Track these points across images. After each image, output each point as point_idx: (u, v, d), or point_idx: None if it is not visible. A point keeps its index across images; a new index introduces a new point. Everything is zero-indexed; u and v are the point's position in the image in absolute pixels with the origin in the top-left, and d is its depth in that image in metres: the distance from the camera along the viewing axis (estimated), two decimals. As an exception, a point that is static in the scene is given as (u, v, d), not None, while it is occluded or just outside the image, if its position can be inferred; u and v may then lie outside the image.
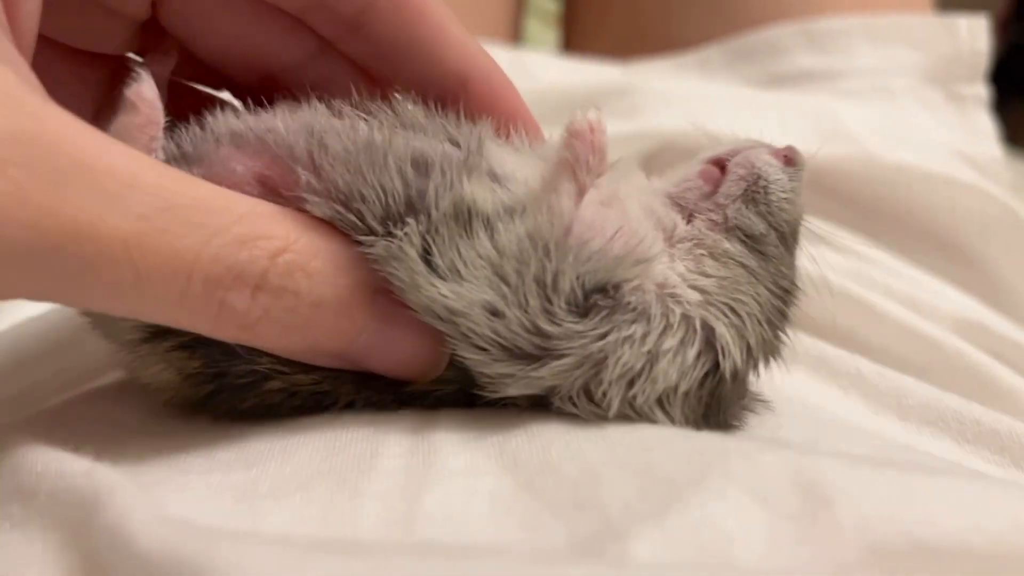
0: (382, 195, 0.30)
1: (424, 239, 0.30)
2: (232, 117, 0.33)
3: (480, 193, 0.31)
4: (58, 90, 0.33)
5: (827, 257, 0.55)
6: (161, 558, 0.22)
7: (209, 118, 0.33)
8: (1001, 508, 0.25)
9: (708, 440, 0.29)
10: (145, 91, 0.31)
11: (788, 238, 0.35)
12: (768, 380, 0.35)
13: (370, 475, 0.27)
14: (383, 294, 0.30)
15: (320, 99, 0.34)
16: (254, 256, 0.27)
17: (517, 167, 0.33)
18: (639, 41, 0.82)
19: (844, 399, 0.43)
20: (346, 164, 0.30)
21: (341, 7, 0.35)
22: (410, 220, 0.30)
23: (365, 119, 0.33)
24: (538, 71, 0.72)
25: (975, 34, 0.71)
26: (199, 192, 0.27)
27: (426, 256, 0.30)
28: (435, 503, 0.26)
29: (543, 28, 1.24)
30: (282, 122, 0.32)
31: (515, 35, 0.94)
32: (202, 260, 0.26)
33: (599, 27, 0.88)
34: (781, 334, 0.35)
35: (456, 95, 0.36)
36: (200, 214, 0.26)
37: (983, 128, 0.71)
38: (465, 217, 0.30)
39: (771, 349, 0.34)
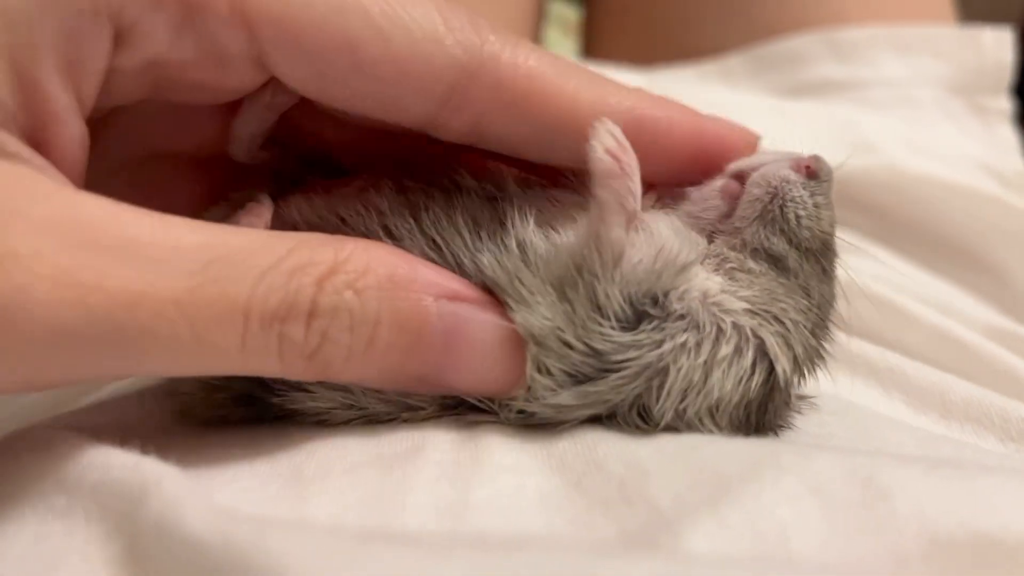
0: (459, 245, 0.31)
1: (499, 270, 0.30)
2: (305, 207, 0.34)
3: (531, 234, 0.31)
4: (176, 196, 0.34)
5: (858, 264, 0.55)
6: (212, 544, 0.22)
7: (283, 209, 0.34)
8: None
9: (757, 440, 0.29)
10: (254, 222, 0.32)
11: (815, 253, 0.34)
12: (811, 380, 0.35)
13: (417, 464, 0.27)
14: (450, 305, 0.29)
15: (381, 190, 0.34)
16: (302, 284, 0.26)
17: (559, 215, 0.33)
18: (657, 49, 0.81)
19: (886, 398, 0.43)
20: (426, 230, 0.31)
21: (453, 122, 0.32)
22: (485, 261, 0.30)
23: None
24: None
25: (1000, 46, 0.70)
26: (243, 240, 0.27)
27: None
28: (485, 496, 0.26)
29: (562, 36, 1.25)
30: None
31: (535, 39, 0.94)
32: (255, 300, 0.26)
33: (618, 35, 0.89)
34: (824, 343, 0.34)
35: None
36: (247, 258, 0.26)
37: (1007, 141, 0.71)
38: (516, 252, 0.30)
39: (816, 357, 0.34)
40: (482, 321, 0.29)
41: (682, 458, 0.27)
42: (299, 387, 0.30)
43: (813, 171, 0.35)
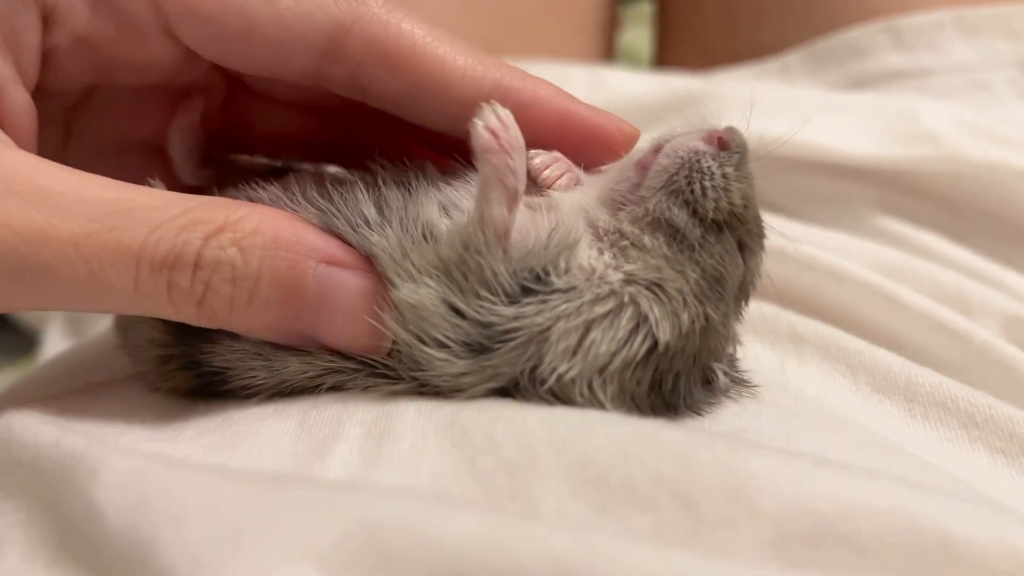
0: (352, 220, 0.34)
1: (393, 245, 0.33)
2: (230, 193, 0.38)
3: (431, 214, 0.34)
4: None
5: (876, 252, 0.54)
6: (114, 520, 0.26)
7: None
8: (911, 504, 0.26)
9: (648, 429, 0.30)
10: None
11: (722, 225, 0.35)
12: (773, 364, 0.35)
13: (325, 460, 0.30)
14: (327, 269, 0.32)
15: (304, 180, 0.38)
16: (191, 238, 0.30)
17: (467, 196, 0.35)
18: (726, 45, 0.82)
19: (852, 380, 0.43)
20: (321, 205, 0.34)
21: (334, 73, 0.36)
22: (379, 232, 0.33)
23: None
24: (616, 85, 0.73)
25: (1079, 21, 0.67)
26: (148, 198, 0.31)
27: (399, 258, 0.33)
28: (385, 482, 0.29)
29: (641, 31, 1.25)
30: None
31: (608, 45, 0.96)
32: (147, 248, 0.30)
33: (686, 32, 0.89)
34: (720, 316, 0.34)
35: None
36: (146, 213, 0.31)
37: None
38: (418, 232, 0.33)
39: (713, 331, 0.34)
40: (353, 286, 0.32)
41: (570, 448, 0.29)
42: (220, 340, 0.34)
43: (725, 142, 0.35)
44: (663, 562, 0.23)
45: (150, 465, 0.29)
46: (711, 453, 0.28)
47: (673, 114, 0.67)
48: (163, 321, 0.36)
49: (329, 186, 0.35)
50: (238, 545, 0.25)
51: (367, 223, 0.34)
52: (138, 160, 0.42)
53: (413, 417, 0.31)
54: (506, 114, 0.32)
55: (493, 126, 0.32)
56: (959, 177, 0.61)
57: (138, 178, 0.33)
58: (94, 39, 0.35)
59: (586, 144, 0.37)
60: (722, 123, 0.38)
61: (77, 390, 0.38)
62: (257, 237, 0.31)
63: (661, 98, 0.69)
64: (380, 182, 0.36)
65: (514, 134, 0.32)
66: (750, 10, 0.81)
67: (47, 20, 0.34)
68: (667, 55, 0.91)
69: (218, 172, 0.41)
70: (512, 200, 0.32)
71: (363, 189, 0.35)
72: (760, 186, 0.55)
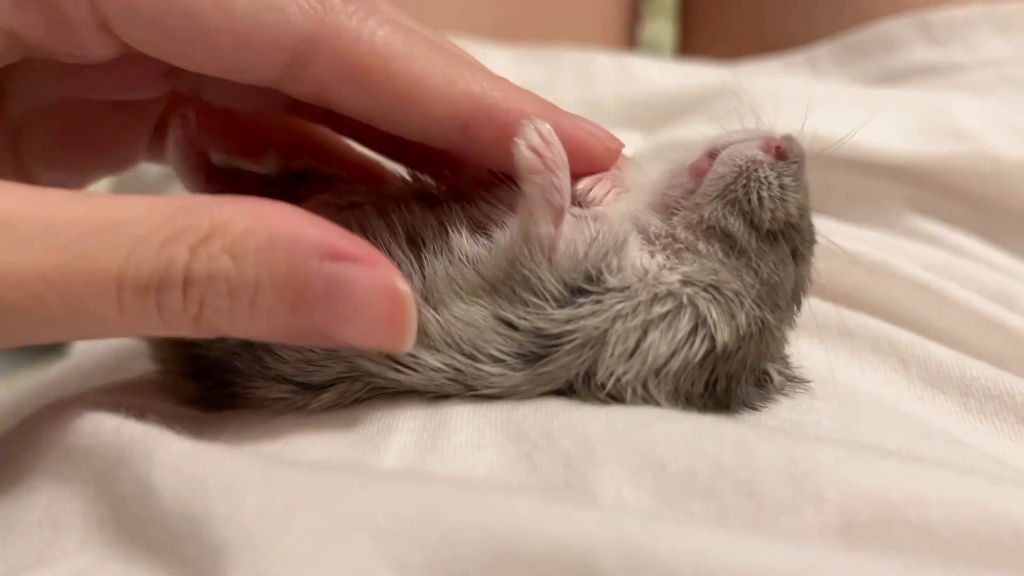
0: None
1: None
2: None
3: (463, 243, 0.33)
4: (117, 136, 0.37)
5: (917, 250, 0.53)
6: (170, 503, 0.26)
7: None
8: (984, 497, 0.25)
9: (708, 423, 0.30)
10: None
11: (776, 234, 0.34)
12: (823, 359, 0.35)
13: (380, 451, 0.30)
14: (332, 266, 0.28)
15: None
16: (176, 252, 0.27)
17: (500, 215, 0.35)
18: (758, 37, 0.81)
19: (904, 374, 0.42)
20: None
21: (297, 90, 0.33)
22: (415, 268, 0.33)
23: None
24: (643, 76, 0.72)
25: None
26: (121, 211, 0.28)
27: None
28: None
29: (663, 24, 1.24)
30: None
31: (630, 37, 0.95)
32: (127, 272, 0.27)
33: (716, 24, 0.88)
34: (776, 321, 0.34)
35: (463, 142, 0.34)
36: (120, 229, 0.27)
37: None
38: (455, 258, 0.33)
39: (770, 335, 0.34)
40: (363, 281, 0.29)
41: (628, 440, 0.28)
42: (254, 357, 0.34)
43: (783, 151, 0.35)
44: (726, 543, 0.23)
45: (204, 448, 0.28)
46: (773, 444, 0.27)
47: (701, 106, 0.66)
48: (193, 380, 0.36)
49: (362, 224, 0.35)
50: (292, 520, 0.24)
51: (412, 261, 0.33)
52: (80, 113, 0.39)
53: (468, 413, 0.31)
54: (548, 130, 0.32)
55: (536, 145, 0.32)
56: (992, 175, 0.60)
57: (82, 130, 0.31)
58: (21, 33, 0.31)
59: (571, 158, 0.34)
60: (756, 120, 0.38)
61: (123, 389, 0.38)
62: (250, 240, 0.28)
63: (689, 89, 0.68)
64: (407, 212, 0.35)
65: (557, 151, 0.32)
66: (778, 1, 0.79)
67: None
68: (691, 46, 0.90)
69: (228, 183, 0.40)
70: (558, 217, 0.32)
71: (397, 224, 0.34)
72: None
